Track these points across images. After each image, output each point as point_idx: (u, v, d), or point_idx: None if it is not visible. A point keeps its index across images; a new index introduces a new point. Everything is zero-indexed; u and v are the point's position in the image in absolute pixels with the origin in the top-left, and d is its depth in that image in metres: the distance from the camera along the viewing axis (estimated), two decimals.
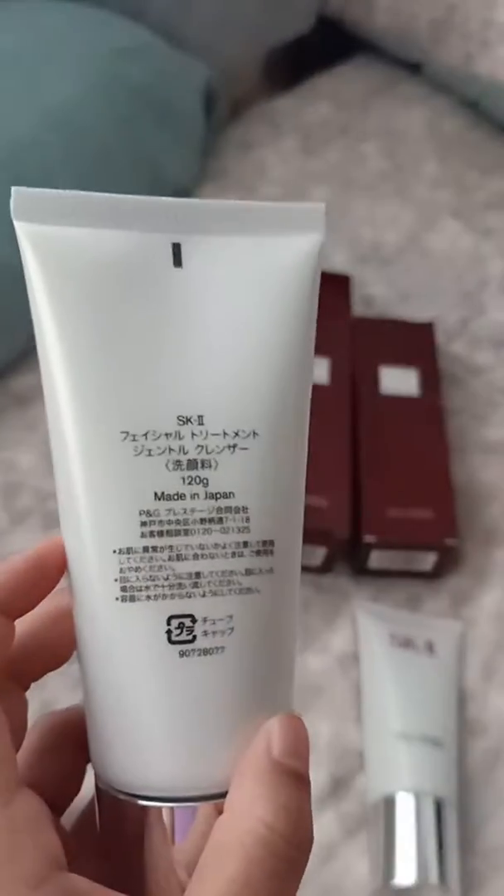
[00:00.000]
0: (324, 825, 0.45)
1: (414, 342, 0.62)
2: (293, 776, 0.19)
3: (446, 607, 0.54)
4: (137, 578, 0.20)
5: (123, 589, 0.20)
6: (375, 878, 0.43)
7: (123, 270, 0.21)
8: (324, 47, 0.89)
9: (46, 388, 0.21)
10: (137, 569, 0.20)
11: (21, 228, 0.21)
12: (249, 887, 0.18)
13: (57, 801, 0.23)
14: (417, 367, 0.60)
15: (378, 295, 0.70)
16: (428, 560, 0.53)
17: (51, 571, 0.21)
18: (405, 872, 0.42)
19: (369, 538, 0.52)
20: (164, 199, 0.21)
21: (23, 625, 0.22)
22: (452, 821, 0.44)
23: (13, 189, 0.21)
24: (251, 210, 0.22)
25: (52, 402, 0.21)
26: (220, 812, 0.20)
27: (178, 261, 0.21)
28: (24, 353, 0.60)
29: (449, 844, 0.43)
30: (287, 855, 0.19)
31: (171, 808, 0.20)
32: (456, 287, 0.71)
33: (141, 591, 0.20)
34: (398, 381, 0.59)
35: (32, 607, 0.21)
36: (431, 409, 0.58)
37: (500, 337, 0.68)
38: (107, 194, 0.21)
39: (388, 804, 0.44)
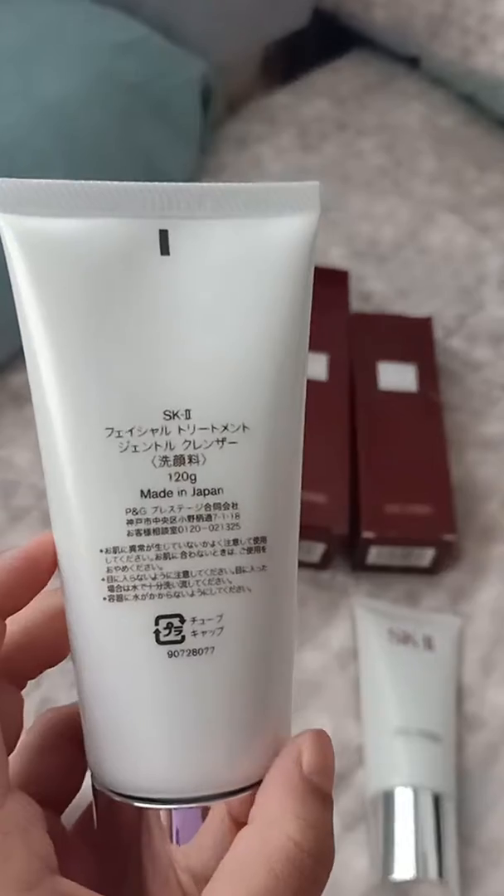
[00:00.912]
0: None
1: (412, 338, 0.62)
2: (320, 794, 0.20)
3: (445, 603, 0.54)
4: (125, 578, 0.19)
5: (111, 589, 0.20)
6: (374, 873, 0.43)
7: (109, 261, 0.20)
8: (320, 42, 0.89)
9: (33, 385, 0.20)
10: (124, 568, 0.19)
11: (4, 220, 0.20)
12: None
13: (56, 798, 0.22)
14: (415, 362, 0.60)
15: (376, 290, 0.69)
16: (426, 556, 0.53)
17: (41, 569, 0.21)
18: (404, 867, 0.43)
19: (368, 534, 0.52)
20: (150, 184, 0.20)
21: (17, 622, 0.21)
22: (451, 815, 0.44)
23: None
24: (242, 191, 0.21)
25: (39, 399, 0.20)
26: (233, 817, 0.20)
27: (165, 249, 0.20)
28: (21, 351, 0.60)
29: (447, 839, 0.43)
30: (312, 872, 0.19)
31: (167, 810, 0.20)
32: (454, 283, 0.70)
33: (128, 590, 0.20)
34: (396, 376, 0.59)
35: (23, 605, 0.21)
36: (430, 405, 0.58)
37: (498, 333, 0.68)
38: (90, 182, 0.20)
39: (387, 799, 0.44)
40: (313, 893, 0.19)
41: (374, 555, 0.53)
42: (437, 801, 0.44)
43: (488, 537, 0.56)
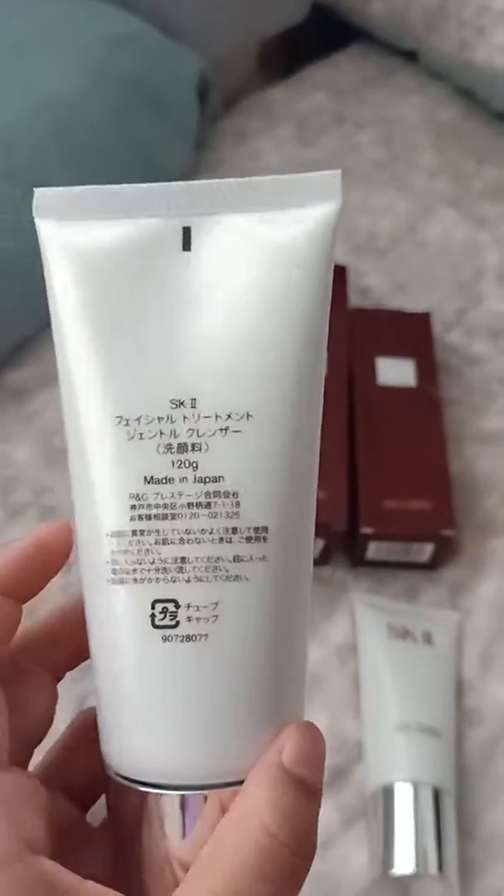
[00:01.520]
0: (322, 816, 0.45)
1: (410, 333, 0.62)
2: (302, 785, 0.19)
3: (444, 598, 0.54)
4: (126, 562, 0.20)
5: (114, 571, 0.20)
6: (374, 868, 0.44)
7: (132, 260, 0.21)
8: (318, 36, 0.89)
9: (61, 378, 0.21)
10: (126, 552, 0.20)
11: (43, 225, 0.21)
12: (242, 890, 0.18)
13: (84, 794, 0.23)
14: (414, 357, 0.60)
15: (374, 285, 0.69)
16: (425, 551, 0.53)
17: (53, 555, 0.21)
18: (404, 862, 0.43)
19: (367, 530, 0.52)
20: (173, 183, 0.21)
21: (53, 613, 0.22)
22: (451, 810, 0.44)
23: (35, 190, 0.21)
24: (262, 184, 0.21)
25: (66, 390, 0.21)
26: (225, 809, 0.20)
27: (187, 244, 0.21)
28: (21, 347, 0.60)
29: (447, 834, 0.43)
30: (287, 862, 0.18)
31: (168, 797, 0.20)
32: (452, 277, 0.70)
33: (128, 574, 0.20)
34: (395, 371, 0.59)
35: (37, 592, 0.21)
36: (428, 400, 0.58)
37: (497, 327, 0.68)
38: (116, 186, 0.21)
39: (387, 794, 0.44)
40: (292, 885, 0.19)
41: (373, 550, 0.53)
42: (436, 796, 0.44)
43: (487, 532, 0.56)
